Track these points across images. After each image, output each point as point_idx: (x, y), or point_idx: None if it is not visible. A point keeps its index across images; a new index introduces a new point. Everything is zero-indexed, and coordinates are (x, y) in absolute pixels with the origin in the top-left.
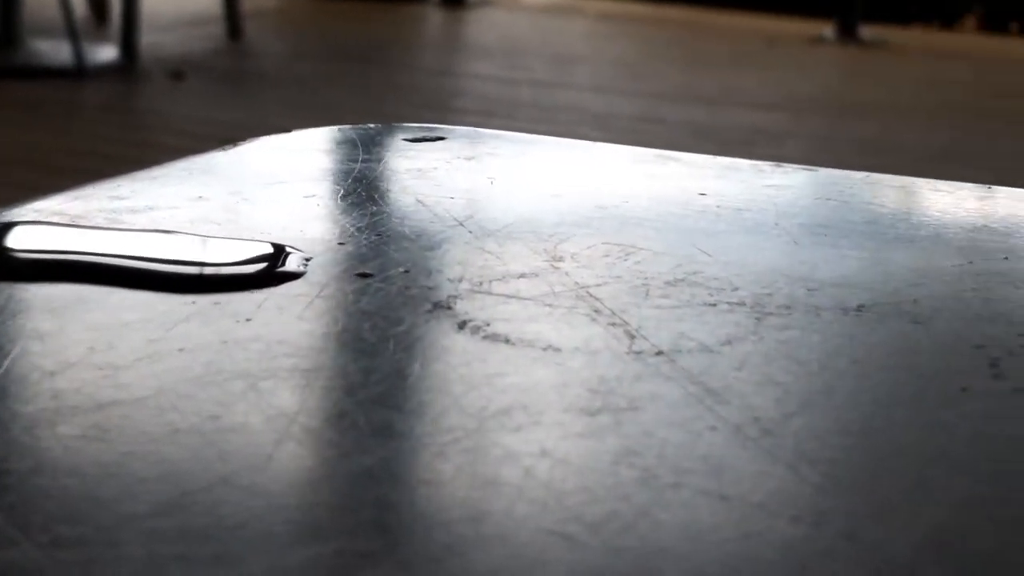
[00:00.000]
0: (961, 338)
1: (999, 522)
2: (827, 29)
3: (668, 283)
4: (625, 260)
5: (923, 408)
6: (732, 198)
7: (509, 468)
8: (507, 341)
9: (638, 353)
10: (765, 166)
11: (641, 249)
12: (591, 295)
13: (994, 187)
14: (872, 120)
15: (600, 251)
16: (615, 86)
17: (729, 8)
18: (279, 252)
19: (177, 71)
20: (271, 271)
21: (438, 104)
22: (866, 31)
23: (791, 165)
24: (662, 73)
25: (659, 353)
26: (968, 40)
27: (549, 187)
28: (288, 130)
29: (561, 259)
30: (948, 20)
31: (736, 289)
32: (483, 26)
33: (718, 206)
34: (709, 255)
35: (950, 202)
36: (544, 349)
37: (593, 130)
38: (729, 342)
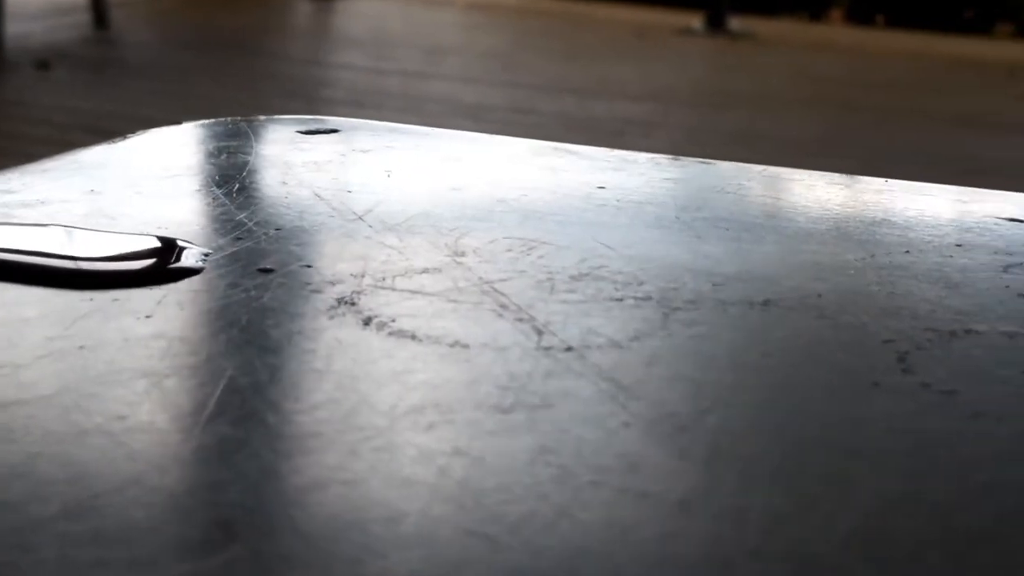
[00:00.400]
0: (868, 333)
1: (918, 517)
2: (696, 21)
3: (573, 278)
4: (528, 255)
5: (837, 403)
6: (631, 191)
7: (424, 467)
8: (414, 337)
9: (547, 349)
10: (662, 159)
11: (544, 243)
12: (496, 290)
13: (891, 180)
14: (741, 111)
15: (502, 245)
16: (486, 77)
17: (599, 0)
18: (177, 248)
19: (43, 61)
20: (169, 267)
21: (307, 94)
22: (735, 23)
23: (688, 158)
24: (533, 64)
25: (568, 349)
26: (835, 32)
27: (447, 180)
28: (156, 119)
29: (463, 254)
30: (815, 12)
31: (641, 284)
32: (353, 17)
33: (618, 200)
34: (612, 249)
35: (848, 195)
36: (451, 345)
37: (465, 120)
38: (638, 337)
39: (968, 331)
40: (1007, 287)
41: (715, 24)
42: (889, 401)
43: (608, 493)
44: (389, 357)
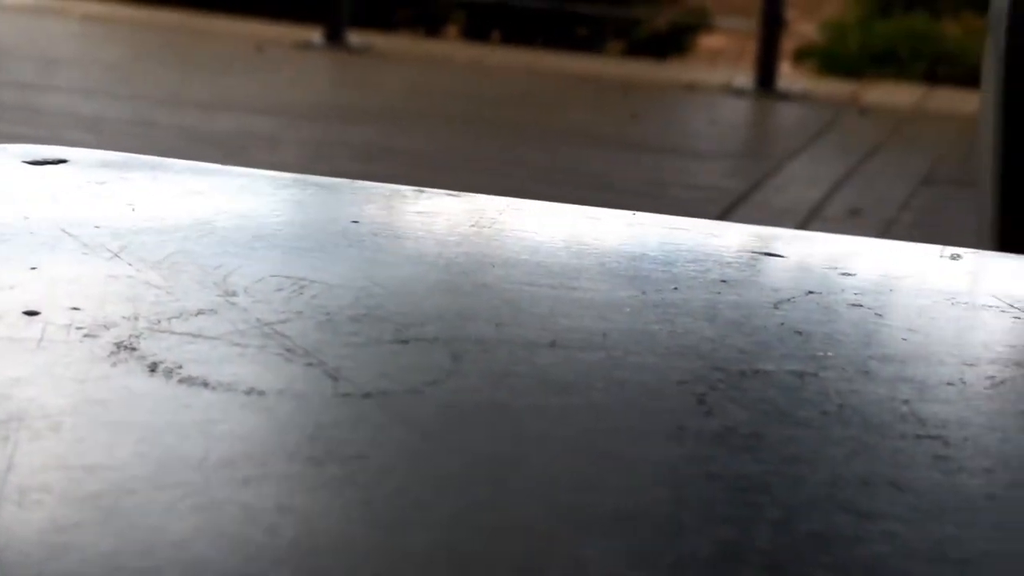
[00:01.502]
0: (661, 374)
1: (751, 564)
2: (315, 35)
3: (353, 318)
4: (301, 294)
5: (649, 448)
6: (387, 225)
7: (251, 526)
8: (206, 385)
9: (345, 396)
10: (408, 191)
11: (314, 282)
12: (278, 332)
13: (639, 213)
14: (366, 125)
15: (272, 284)
16: (104, 89)
17: (217, 12)
18: None
19: None
20: None
21: None
22: (354, 37)
23: (433, 190)
24: (153, 77)
25: (367, 395)
26: (452, 47)
27: (196, 214)
28: None
29: (235, 293)
30: (432, 27)
31: (423, 325)
32: None
33: (375, 234)
34: (383, 287)
35: (604, 229)
36: (247, 393)
37: (83, 134)
38: (434, 382)
39: (756, 371)
40: (782, 324)
41: (334, 38)
42: (698, 446)
43: (439, 546)
44: (186, 406)
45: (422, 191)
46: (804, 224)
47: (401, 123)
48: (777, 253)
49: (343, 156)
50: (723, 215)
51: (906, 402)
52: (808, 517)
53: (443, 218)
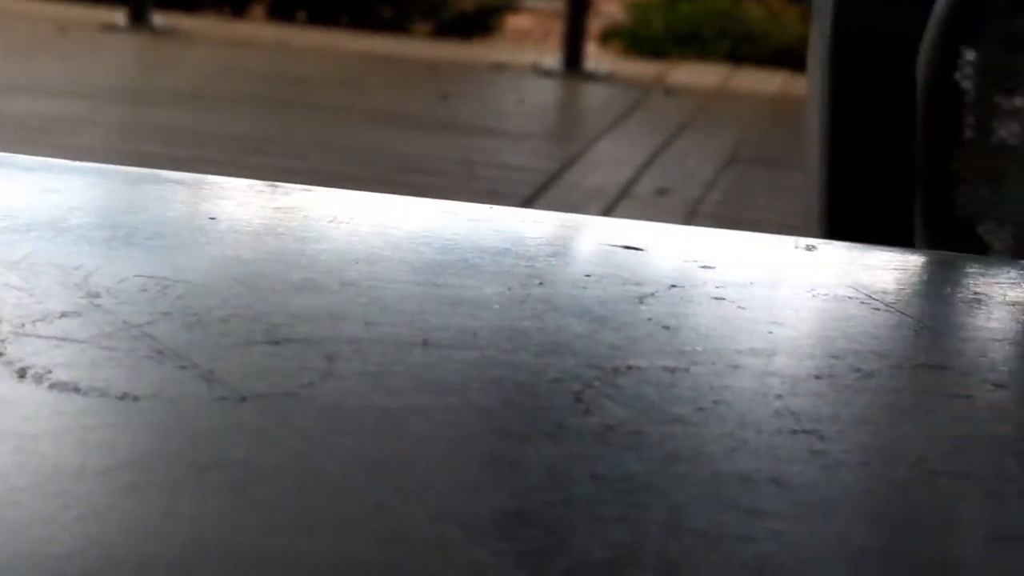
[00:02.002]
0: (536, 372)
1: (647, 569)
2: (119, 16)
3: (222, 319)
4: (165, 294)
5: (532, 448)
6: (245, 222)
7: (139, 536)
8: (77, 390)
9: (222, 399)
10: (262, 186)
11: (178, 281)
12: (147, 334)
13: (496, 207)
14: (173, 108)
15: (135, 284)
16: None
17: None
18: None
19: None
20: None
21: None
22: (158, 18)
23: (289, 185)
24: None
25: (243, 399)
26: (258, 28)
27: (48, 212)
28: None
29: (98, 295)
30: (238, 7)
31: (293, 325)
32: None
33: (235, 231)
34: (248, 286)
35: (465, 223)
36: (120, 398)
37: None
38: (310, 383)
39: (630, 367)
40: (649, 319)
41: (138, 19)
42: (580, 446)
43: (331, 553)
44: (60, 413)
45: (277, 186)
46: (614, 204)
47: (207, 105)
48: (636, 246)
49: (149, 139)
50: (534, 195)
51: (779, 396)
52: (695, 516)
53: (300, 213)
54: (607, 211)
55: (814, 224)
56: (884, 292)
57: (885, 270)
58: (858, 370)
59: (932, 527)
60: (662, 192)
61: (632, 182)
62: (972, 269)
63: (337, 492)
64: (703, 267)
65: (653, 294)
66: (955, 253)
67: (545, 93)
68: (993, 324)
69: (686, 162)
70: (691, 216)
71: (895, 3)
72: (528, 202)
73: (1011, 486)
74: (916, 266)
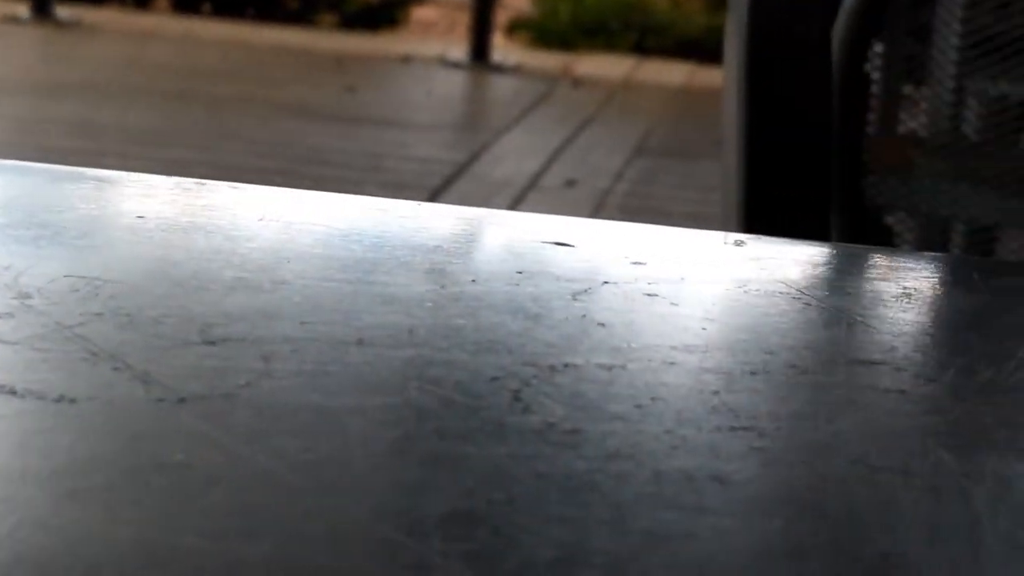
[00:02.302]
0: (474, 371)
1: (591, 570)
2: (22, 8)
3: (155, 319)
4: (97, 294)
5: (474, 447)
6: (173, 220)
7: (85, 543)
8: (14, 392)
9: (159, 401)
10: (189, 183)
11: (108, 281)
12: (80, 335)
13: (424, 203)
14: (78, 101)
15: (66, 284)
16: None
17: None
18: None
19: None
20: None
21: None
22: (62, 10)
23: (216, 182)
24: None
25: (181, 400)
26: (163, 20)
27: None
28: None
29: (29, 295)
30: (142, 0)
31: (227, 325)
32: None
33: (163, 229)
34: (182, 287)
35: (394, 220)
36: (57, 401)
37: None
38: (247, 384)
39: (566, 365)
40: (583, 316)
41: (42, 12)
42: (521, 444)
43: (275, 556)
44: None
45: (203, 183)
46: (522, 195)
47: (112, 98)
48: (566, 243)
49: (53, 132)
50: (442, 187)
51: (715, 393)
52: (638, 515)
53: (229, 211)
54: (516, 202)
55: (732, 215)
56: (814, 287)
57: (814, 265)
58: (793, 366)
59: (873, 523)
60: (570, 183)
61: (540, 173)
62: (901, 264)
63: (279, 494)
64: (634, 263)
65: (586, 291)
66: (886, 247)
67: (452, 85)
68: (923, 318)
69: (594, 153)
70: (600, 207)
71: None
72: (436, 194)
73: (948, 481)
74: (845, 261)
